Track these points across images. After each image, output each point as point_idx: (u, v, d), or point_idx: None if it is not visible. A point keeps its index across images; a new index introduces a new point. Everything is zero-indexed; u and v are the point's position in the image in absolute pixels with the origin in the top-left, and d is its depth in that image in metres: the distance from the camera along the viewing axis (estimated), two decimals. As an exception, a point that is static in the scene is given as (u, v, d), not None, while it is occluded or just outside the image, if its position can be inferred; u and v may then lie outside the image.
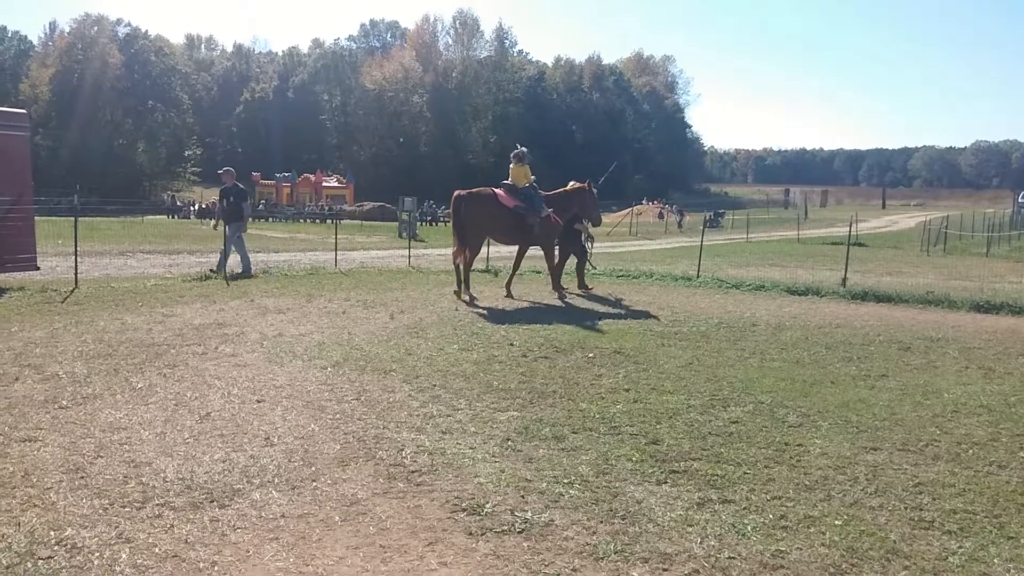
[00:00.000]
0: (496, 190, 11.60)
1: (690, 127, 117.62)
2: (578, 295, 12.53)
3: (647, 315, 10.53)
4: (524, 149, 11.97)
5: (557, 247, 12.53)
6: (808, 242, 29.93)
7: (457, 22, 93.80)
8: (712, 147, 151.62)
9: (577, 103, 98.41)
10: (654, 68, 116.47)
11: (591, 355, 7.88)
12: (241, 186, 15.35)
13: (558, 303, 11.59)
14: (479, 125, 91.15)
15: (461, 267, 11.45)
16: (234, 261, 14.45)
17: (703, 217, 41.63)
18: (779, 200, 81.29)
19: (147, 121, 78.26)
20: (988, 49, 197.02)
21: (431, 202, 48.53)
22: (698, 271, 15.43)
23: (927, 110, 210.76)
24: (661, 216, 50.54)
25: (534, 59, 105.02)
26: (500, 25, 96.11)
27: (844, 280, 13.46)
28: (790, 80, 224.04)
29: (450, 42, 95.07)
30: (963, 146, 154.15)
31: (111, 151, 73.17)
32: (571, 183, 12.96)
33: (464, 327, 9.25)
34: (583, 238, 13.16)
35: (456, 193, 11.59)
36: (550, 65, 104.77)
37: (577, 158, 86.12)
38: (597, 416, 5.76)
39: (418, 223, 36.14)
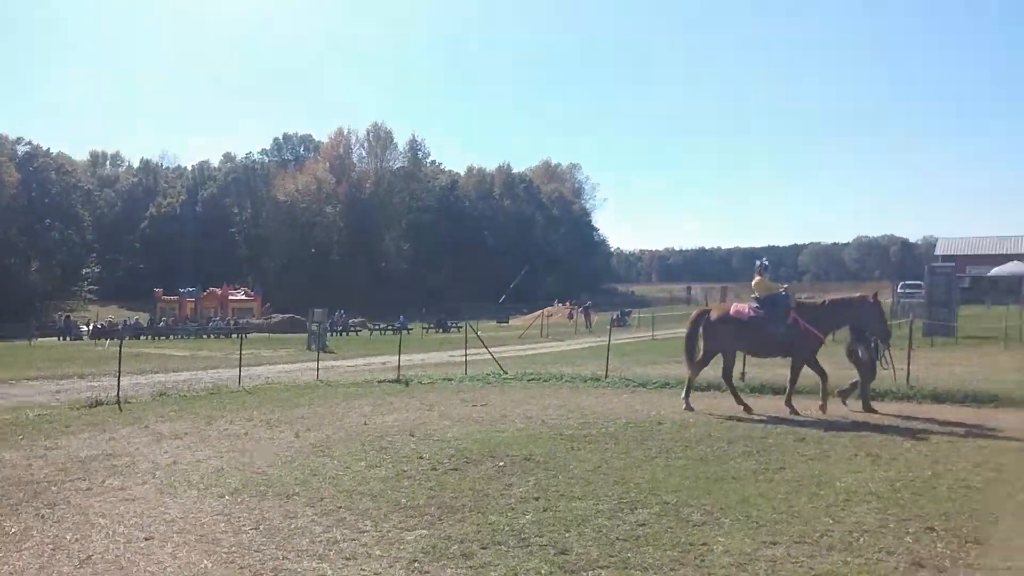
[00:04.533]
0: (734, 305, 12.06)
1: (597, 230, 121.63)
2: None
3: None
4: (767, 262, 12.18)
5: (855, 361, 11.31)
6: (712, 337, 30.84)
7: (371, 135, 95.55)
8: (618, 248, 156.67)
9: (489, 210, 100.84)
10: (562, 175, 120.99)
11: (501, 464, 7.84)
12: None
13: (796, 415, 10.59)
14: (393, 234, 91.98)
15: (688, 377, 11.85)
16: None
17: (610, 317, 42.63)
18: (682, 297, 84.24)
19: (43, 239, 75.64)
20: (864, 152, 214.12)
21: (342, 312, 48.05)
22: (606, 371, 15.69)
23: (814, 208, 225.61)
24: (571, 316, 51.46)
25: (447, 168, 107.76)
26: (413, 137, 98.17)
27: (743, 374, 13.92)
28: (688, 183, 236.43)
29: (364, 154, 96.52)
30: (846, 241, 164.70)
31: (2, 270, 69.96)
32: (859, 294, 11.89)
33: (372, 442, 9.07)
34: (876, 355, 11.29)
35: (697, 311, 12.51)
36: (462, 174, 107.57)
37: (490, 263, 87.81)
38: (507, 529, 5.70)
39: (329, 334, 35.64)
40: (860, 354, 11.15)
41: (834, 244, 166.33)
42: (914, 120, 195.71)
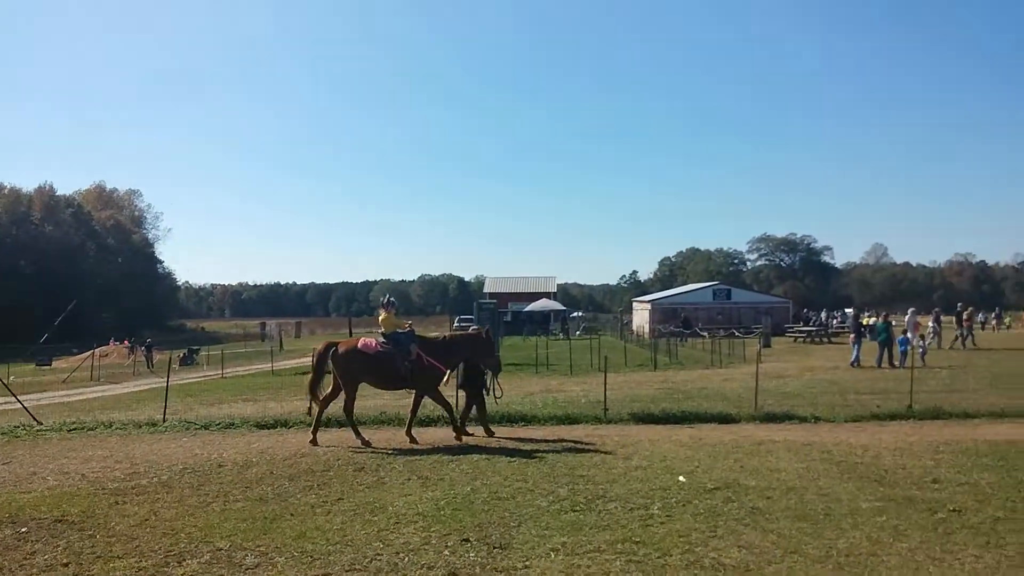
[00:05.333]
0: (361, 339, 11.86)
1: (162, 262, 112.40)
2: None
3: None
4: (392, 299, 12.27)
5: (465, 393, 12.28)
6: (282, 373, 30.56)
7: None
8: (187, 282, 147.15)
9: (26, 235, 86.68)
10: (119, 201, 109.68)
11: (24, 530, 6.76)
12: None
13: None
14: None
15: (317, 412, 11.59)
16: None
17: (173, 355, 39.72)
18: (256, 333, 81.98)
19: None
20: (427, 199, 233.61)
21: None
22: (164, 414, 14.55)
23: (383, 249, 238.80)
24: (130, 355, 46.65)
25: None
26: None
27: (310, 409, 13.98)
28: (264, 217, 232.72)
29: None
30: (413, 279, 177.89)
31: None
32: (472, 328, 12.86)
33: None
34: (486, 384, 12.36)
35: (325, 343, 11.97)
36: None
37: (28, 297, 75.41)
38: (22, 606, 4.92)
39: None
40: (479, 382, 12.18)
41: (402, 281, 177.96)
42: (462, 172, 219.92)
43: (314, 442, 11.20)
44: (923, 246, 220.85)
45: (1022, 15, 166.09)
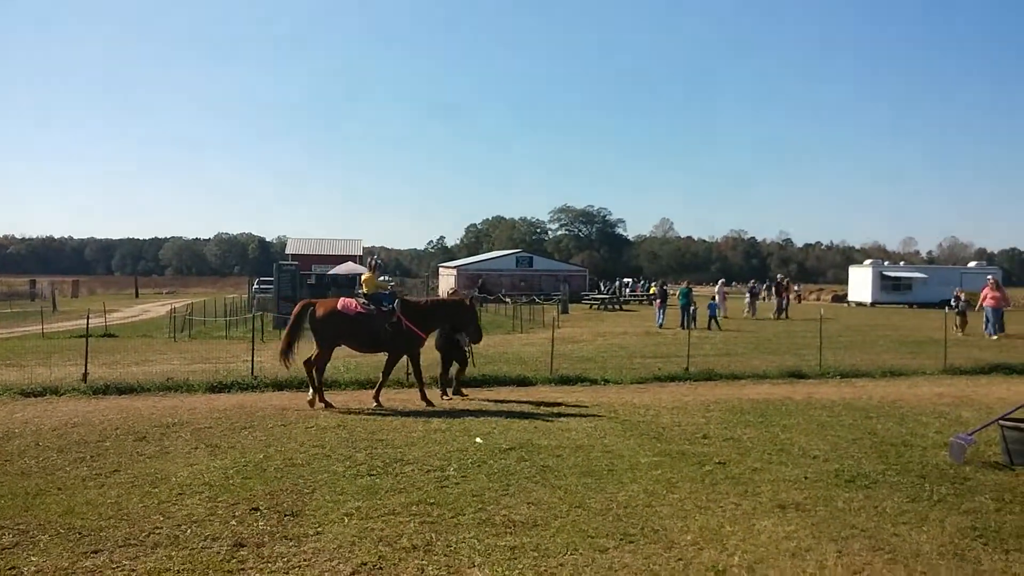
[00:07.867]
0: (341, 299, 11.42)
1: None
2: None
3: None
4: (379, 259, 12.32)
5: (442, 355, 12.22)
6: (55, 336, 27.81)
7: None
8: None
9: None
10: None
11: None
12: None
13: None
14: None
15: (315, 377, 10.96)
16: None
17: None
18: (25, 292, 73.69)
19: None
20: (225, 156, 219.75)
21: None
22: (-96, 383, 12.75)
23: (174, 203, 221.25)
24: None
25: None
26: None
27: (85, 375, 12.90)
28: (35, 163, 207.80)
29: None
30: (208, 237, 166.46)
31: None
32: (447, 292, 12.04)
33: None
34: (464, 345, 12.15)
35: (304, 302, 11.75)
36: None
37: None
38: None
39: None
40: (461, 344, 12.10)
41: (196, 239, 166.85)
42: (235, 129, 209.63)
43: (324, 404, 10.86)
44: (704, 221, 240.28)
45: None
